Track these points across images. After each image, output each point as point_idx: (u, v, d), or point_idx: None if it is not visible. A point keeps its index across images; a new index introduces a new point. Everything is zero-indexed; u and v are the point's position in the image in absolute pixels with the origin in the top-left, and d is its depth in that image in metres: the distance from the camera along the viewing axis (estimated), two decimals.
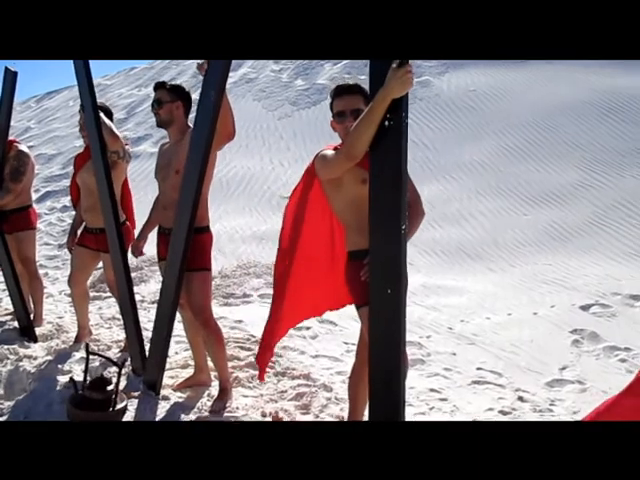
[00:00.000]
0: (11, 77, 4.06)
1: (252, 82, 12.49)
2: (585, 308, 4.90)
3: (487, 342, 4.28)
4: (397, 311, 1.92)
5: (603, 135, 9.17)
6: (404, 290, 1.93)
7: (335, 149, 2.23)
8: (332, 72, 12.21)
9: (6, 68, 4.05)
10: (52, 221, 8.18)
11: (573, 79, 11.03)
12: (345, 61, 12.82)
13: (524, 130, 9.56)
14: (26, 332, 4.14)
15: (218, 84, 2.45)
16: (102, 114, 3.36)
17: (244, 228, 7.40)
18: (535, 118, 9.88)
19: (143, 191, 8.69)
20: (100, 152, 3.29)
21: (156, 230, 3.21)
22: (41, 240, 7.73)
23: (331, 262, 2.46)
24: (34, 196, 9.81)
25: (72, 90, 15.07)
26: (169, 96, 3.00)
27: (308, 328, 4.36)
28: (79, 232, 3.90)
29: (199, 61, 2.52)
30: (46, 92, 16.60)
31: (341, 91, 2.30)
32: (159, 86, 3.05)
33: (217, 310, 5.06)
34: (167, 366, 3.35)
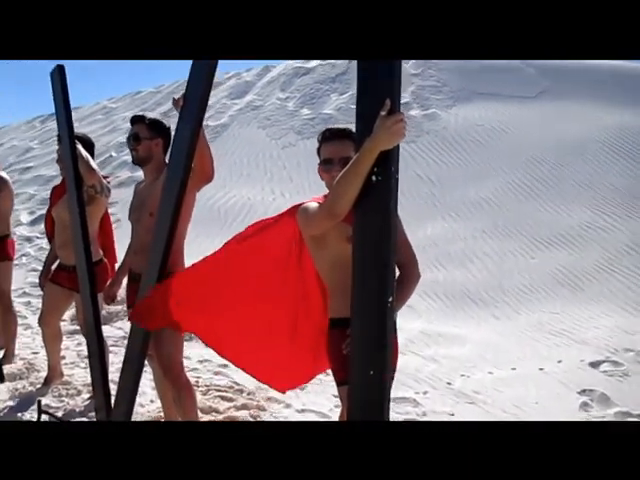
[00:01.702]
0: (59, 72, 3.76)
1: (257, 110, 12.37)
2: (595, 365, 4.56)
3: (488, 402, 3.94)
4: (380, 396, 1.64)
5: (613, 175, 8.91)
6: (389, 371, 1.64)
7: (320, 202, 1.96)
8: (339, 102, 12.08)
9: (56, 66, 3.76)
10: (43, 246, 7.93)
11: (582, 115, 10.83)
12: (352, 91, 12.70)
13: (532, 167, 9.31)
14: None
15: (194, 119, 2.20)
16: (80, 146, 3.14)
17: None
18: (544, 155, 9.64)
19: None
20: (75, 186, 3.06)
21: None
22: (29, 265, 7.50)
23: (294, 324, 2.21)
24: (28, 218, 9.66)
25: (77, 111, 15.05)
26: (148, 132, 2.78)
27: None
28: (53, 268, 3.66)
29: (175, 96, 2.29)
30: (51, 113, 16.58)
31: (329, 136, 2.06)
32: (137, 120, 2.82)
33: (202, 352, 4.77)
34: (138, 418, 3.07)
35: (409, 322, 5.35)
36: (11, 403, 3.48)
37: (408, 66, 14.04)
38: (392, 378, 2.04)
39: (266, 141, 10.84)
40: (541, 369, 4.55)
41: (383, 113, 1.56)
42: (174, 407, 2.83)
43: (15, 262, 7.56)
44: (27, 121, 15.97)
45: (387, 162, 1.58)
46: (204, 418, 3.46)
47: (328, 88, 13.05)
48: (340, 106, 11.81)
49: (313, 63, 14.08)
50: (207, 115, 11.14)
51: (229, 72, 15.30)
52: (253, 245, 2.21)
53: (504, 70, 13.15)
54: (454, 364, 4.56)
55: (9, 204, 4.20)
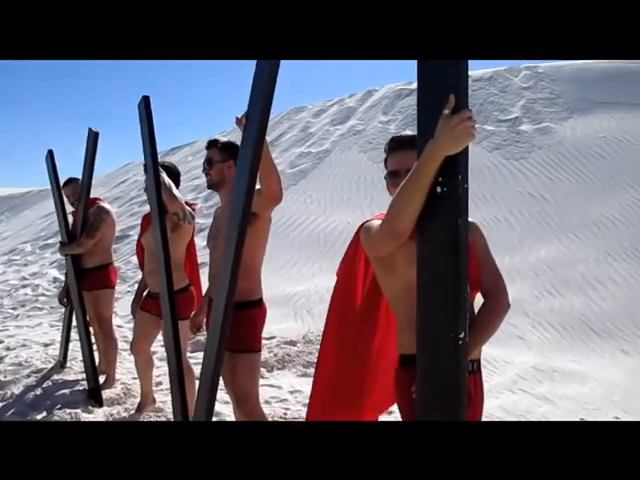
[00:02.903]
0: (93, 137, 4.08)
1: (359, 134, 12.29)
2: None
3: None
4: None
5: None
6: (463, 418, 1.34)
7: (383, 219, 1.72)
8: None
9: (89, 129, 4.09)
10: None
11: None
12: None
13: None
14: (93, 395, 4.00)
15: (254, 140, 2.07)
16: (164, 174, 3.16)
17: None
18: None
19: None
20: (158, 214, 3.07)
21: None
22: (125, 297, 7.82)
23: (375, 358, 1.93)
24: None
25: (192, 146, 15.99)
26: (220, 155, 2.71)
27: None
28: (143, 296, 3.72)
29: (238, 115, 2.18)
30: (170, 148, 17.81)
31: (396, 145, 1.81)
32: (211, 144, 2.77)
33: (292, 381, 4.63)
34: None
35: (519, 356, 4.82)
36: None
37: (517, 79, 13.29)
38: None
39: (367, 165, 10.68)
40: None
41: (446, 112, 1.30)
42: None
43: (128, 288, 8.03)
44: (170, 149, 17.22)
45: (454, 170, 1.30)
46: None
47: None
48: None
49: (416, 84, 13.81)
50: (310, 142, 11.32)
51: (332, 99, 15.47)
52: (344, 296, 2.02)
53: (625, 76, 11.99)
54: (571, 405, 3.98)
55: (110, 234, 4.38)
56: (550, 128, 10.69)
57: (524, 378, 4.41)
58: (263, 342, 5.73)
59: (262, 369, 4.89)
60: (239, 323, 2.56)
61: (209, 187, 2.79)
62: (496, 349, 5.00)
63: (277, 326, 5.53)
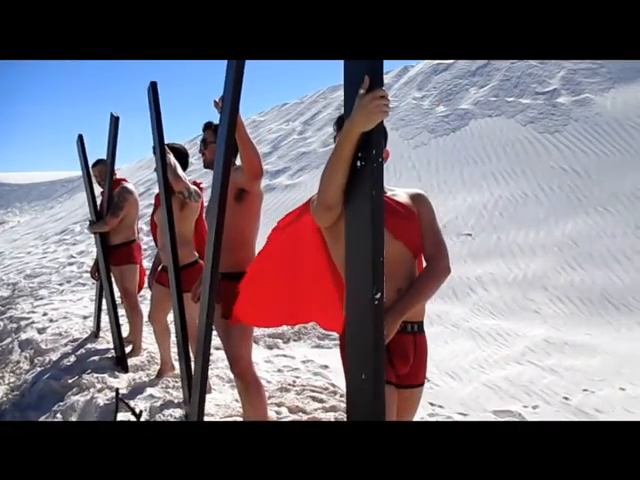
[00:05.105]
0: (115, 121, 4.34)
1: (392, 111, 12.22)
2: None
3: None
4: (376, 403, 1.48)
5: None
6: (382, 377, 1.48)
7: None
8: (477, 95, 11.44)
9: (110, 114, 4.35)
10: None
11: None
12: (494, 82, 11.97)
13: None
14: (120, 362, 4.32)
15: (228, 119, 2.23)
16: (171, 155, 3.37)
17: None
18: None
19: (275, 223, 8.89)
20: (165, 193, 3.30)
21: None
22: None
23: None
24: None
25: None
26: (214, 136, 2.88)
27: None
28: (159, 269, 3.97)
29: (216, 98, 2.34)
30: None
31: (342, 124, 1.93)
32: (207, 127, 2.95)
33: (306, 352, 4.83)
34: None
35: (531, 328, 4.85)
36: (124, 392, 3.86)
37: None
38: (415, 386, 1.85)
39: (398, 142, 10.65)
40: None
41: (361, 91, 1.42)
42: (241, 401, 2.90)
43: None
44: (189, 140, 17.73)
45: (368, 145, 1.43)
46: (290, 417, 3.49)
47: (467, 82, 12.45)
48: (478, 100, 11.17)
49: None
50: None
51: None
52: (291, 233, 2.18)
53: None
54: (577, 377, 4.01)
55: (134, 212, 4.65)
56: (589, 99, 10.33)
57: (533, 351, 4.45)
58: None
59: (278, 340, 5.12)
60: (232, 292, 2.74)
61: (205, 166, 2.97)
62: (509, 322, 5.04)
63: None
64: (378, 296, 1.43)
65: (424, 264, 1.88)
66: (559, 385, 3.89)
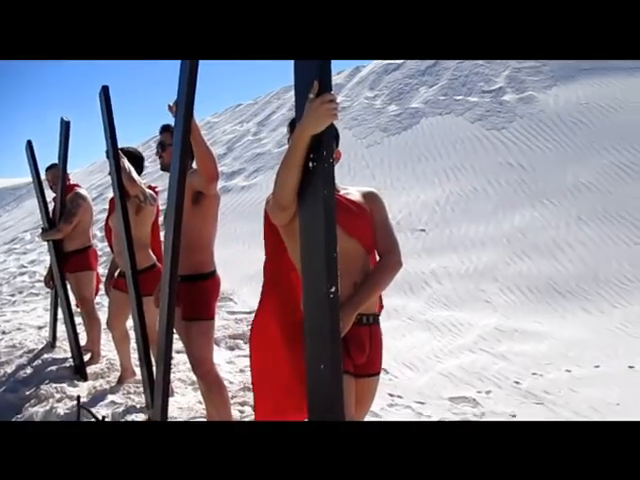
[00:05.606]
0: (65, 126, 4.28)
1: (345, 110, 12.40)
2: None
3: (559, 402, 3.60)
4: (334, 393, 1.56)
5: None
6: (339, 366, 1.56)
7: None
8: (427, 95, 11.74)
9: (61, 119, 4.29)
10: None
11: None
12: (443, 82, 12.30)
13: None
14: (79, 370, 4.26)
15: (183, 124, 2.27)
16: (125, 160, 3.36)
17: None
18: None
19: (231, 224, 8.88)
20: (120, 198, 3.29)
21: None
22: None
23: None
24: None
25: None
26: (172, 138, 2.90)
27: None
28: (115, 275, 3.95)
29: (170, 102, 2.38)
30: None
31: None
32: (165, 129, 2.97)
33: None
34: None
35: (483, 318, 5.06)
36: (85, 400, 3.82)
37: None
38: (372, 374, 1.94)
39: (352, 141, 10.82)
40: (631, 367, 4.07)
41: (311, 96, 1.50)
42: (205, 402, 2.93)
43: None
44: (143, 142, 17.43)
45: (319, 147, 1.51)
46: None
47: (417, 82, 12.75)
48: (428, 99, 11.47)
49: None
50: None
51: None
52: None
53: None
54: (526, 362, 4.22)
55: (88, 217, 4.60)
56: (533, 97, 10.76)
57: (485, 339, 4.65)
58: (243, 316, 5.98)
59: (239, 341, 5.15)
60: (192, 294, 2.78)
61: (162, 169, 2.99)
62: (462, 313, 5.24)
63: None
64: (333, 290, 1.52)
65: (377, 259, 1.97)
66: (510, 370, 4.09)
